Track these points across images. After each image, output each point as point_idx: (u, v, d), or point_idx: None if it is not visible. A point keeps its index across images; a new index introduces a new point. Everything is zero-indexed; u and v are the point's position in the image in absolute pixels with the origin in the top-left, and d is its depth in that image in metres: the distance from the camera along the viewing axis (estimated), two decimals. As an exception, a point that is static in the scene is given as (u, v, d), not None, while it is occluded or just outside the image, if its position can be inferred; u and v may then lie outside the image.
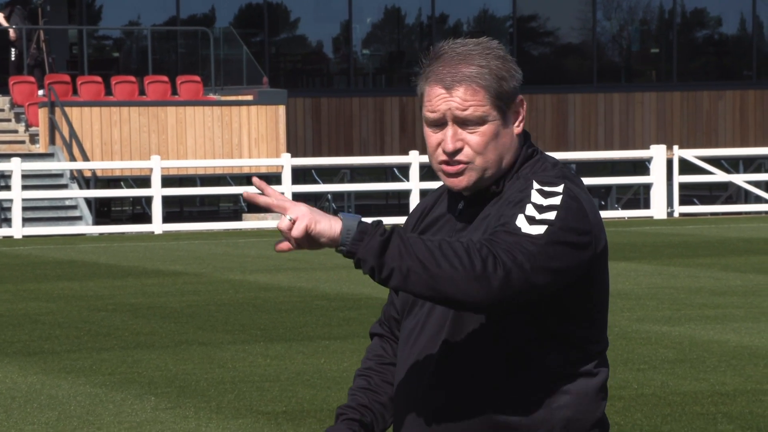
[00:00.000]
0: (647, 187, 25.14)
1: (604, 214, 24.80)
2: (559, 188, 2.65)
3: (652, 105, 28.89)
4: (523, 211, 2.61)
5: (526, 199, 2.63)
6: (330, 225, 2.55)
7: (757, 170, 27.79)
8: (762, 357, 9.08)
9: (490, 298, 2.52)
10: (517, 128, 2.74)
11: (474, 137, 2.68)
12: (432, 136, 2.71)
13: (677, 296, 12.32)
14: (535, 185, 2.65)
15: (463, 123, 2.68)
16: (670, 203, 24.51)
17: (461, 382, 2.68)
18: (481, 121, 2.68)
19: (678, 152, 24.79)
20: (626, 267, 14.96)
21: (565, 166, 2.75)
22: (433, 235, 2.73)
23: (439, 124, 2.69)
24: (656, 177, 24.15)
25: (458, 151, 2.68)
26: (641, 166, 26.71)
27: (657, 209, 24.20)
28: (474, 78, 2.67)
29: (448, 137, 2.68)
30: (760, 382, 8.26)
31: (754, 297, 12.22)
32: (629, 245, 18.07)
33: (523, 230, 2.58)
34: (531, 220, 2.60)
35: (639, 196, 26.76)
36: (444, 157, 2.69)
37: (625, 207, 25.93)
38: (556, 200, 2.63)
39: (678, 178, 24.32)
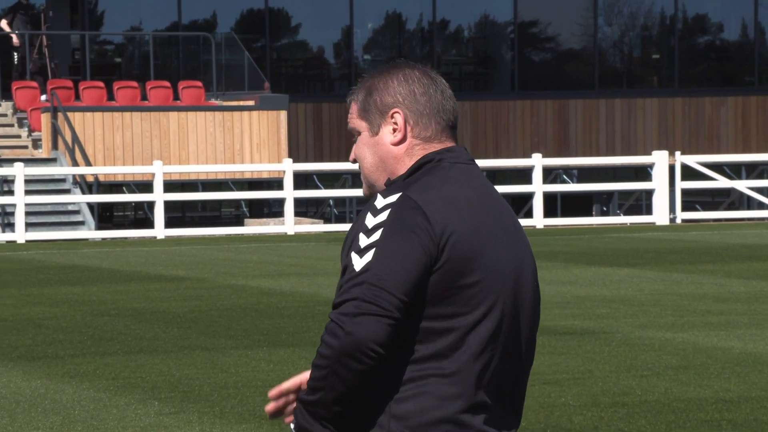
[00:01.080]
0: (649, 193, 25.14)
1: (606, 220, 24.80)
2: (381, 220, 2.79)
3: (654, 111, 28.89)
4: (351, 249, 2.84)
5: (358, 229, 2.84)
6: None
7: (760, 176, 27.79)
8: (766, 363, 9.07)
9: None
10: (393, 138, 2.88)
11: (356, 148, 2.94)
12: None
13: (680, 303, 12.31)
14: (371, 208, 2.85)
15: (353, 135, 2.97)
16: (672, 209, 24.50)
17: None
18: (357, 132, 2.93)
19: (680, 158, 24.79)
20: (629, 273, 14.96)
21: (427, 189, 2.85)
22: None
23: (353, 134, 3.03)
24: (658, 183, 24.14)
25: (356, 161, 2.94)
26: (643, 172, 26.70)
27: (659, 215, 24.19)
28: (352, 94, 2.97)
29: (354, 149, 3.00)
30: (764, 388, 8.26)
31: (758, 303, 12.21)
32: (631, 251, 18.07)
33: (349, 271, 2.85)
34: (358, 252, 2.81)
35: (641, 202, 26.75)
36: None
37: (627, 213, 25.92)
38: (376, 230, 2.79)
39: (680, 184, 24.32)
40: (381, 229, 2.75)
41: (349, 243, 2.80)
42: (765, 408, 7.71)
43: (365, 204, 2.88)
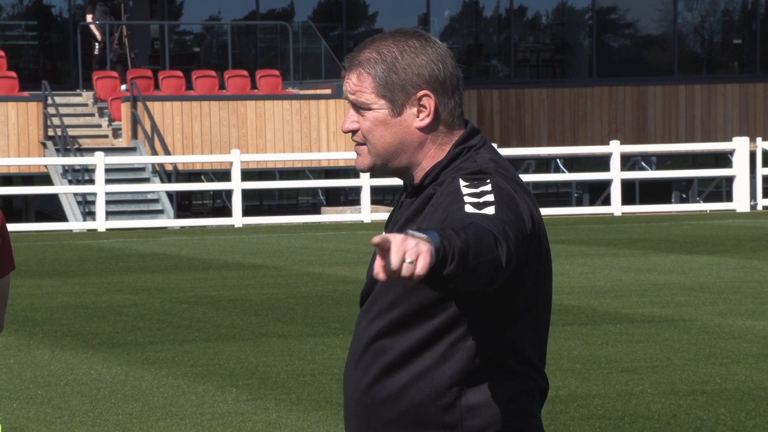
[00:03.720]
0: (730, 180, 24.85)
1: (686, 207, 24.56)
2: (487, 186, 2.59)
3: (735, 96, 28.54)
4: (463, 204, 2.57)
5: (459, 195, 2.59)
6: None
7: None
8: None
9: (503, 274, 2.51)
10: (420, 122, 2.68)
11: (363, 122, 2.69)
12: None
13: (761, 290, 12.16)
14: (461, 182, 2.60)
15: (356, 106, 2.70)
16: (753, 196, 24.20)
17: None
18: (366, 107, 2.68)
19: (761, 144, 24.47)
20: (708, 260, 14.81)
21: (497, 165, 2.67)
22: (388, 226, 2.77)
23: (350, 103, 2.72)
24: (739, 169, 23.86)
25: (354, 132, 2.70)
26: (723, 159, 26.40)
27: (740, 202, 23.91)
28: (363, 64, 2.68)
29: (347, 117, 2.72)
30: None
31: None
32: (711, 239, 17.88)
33: (479, 213, 2.54)
34: (477, 206, 2.55)
35: (721, 189, 26.46)
36: (354, 138, 2.73)
37: (707, 200, 25.66)
38: (488, 193, 2.59)
39: (761, 171, 24.01)
40: (491, 195, 2.59)
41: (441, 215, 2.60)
42: None
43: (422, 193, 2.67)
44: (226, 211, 24.52)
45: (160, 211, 22.94)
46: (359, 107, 2.69)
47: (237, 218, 22.66)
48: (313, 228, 22.17)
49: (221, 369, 8.85)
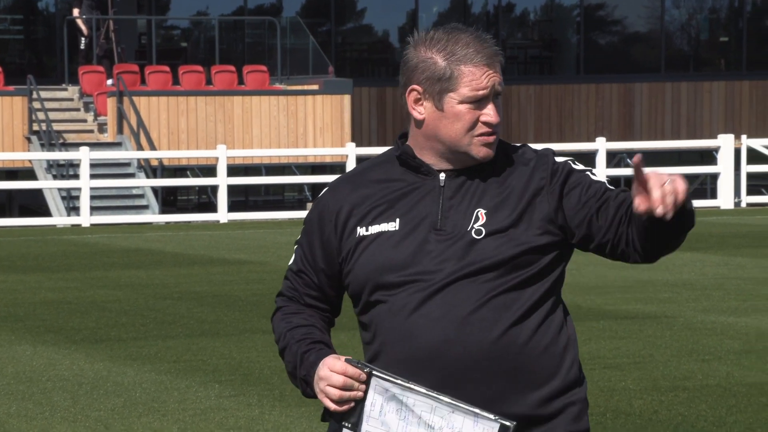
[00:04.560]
0: (714, 177, 24.91)
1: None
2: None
3: (721, 94, 28.60)
4: (589, 174, 2.91)
5: (572, 168, 2.91)
6: None
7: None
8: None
9: None
10: None
11: (499, 110, 2.90)
12: (470, 113, 2.85)
13: (744, 287, 12.19)
14: (562, 159, 2.93)
15: (495, 97, 2.88)
16: (737, 193, 24.26)
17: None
18: (499, 96, 2.91)
19: (746, 141, 24.52)
20: (692, 257, 14.84)
21: None
22: (409, 209, 2.88)
23: (480, 99, 2.85)
24: (723, 166, 23.91)
25: (498, 123, 2.89)
26: (708, 156, 26.46)
27: (724, 199, 23.96)
28: (499, 56, 2.89)
29: (492, 111, 2.86)
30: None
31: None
32: (695, 235, 17.92)
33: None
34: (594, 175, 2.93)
35: (706, 186, 26.52)
36: (485, 129, 2.86)
37: (691, 196, 25.69)
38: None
39: (745, 168, 24.07)
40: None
41: (565, 172, 2.89)
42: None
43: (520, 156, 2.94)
44: (212, 207, 24.50)
45: (145, 207, 22.90)
46: (498, 96, 2.89)
47: (222, 214, 22.64)
48: (299, 224, 22.15)
49: (204, 365, 8.84)
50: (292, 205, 27.36)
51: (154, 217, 22.58)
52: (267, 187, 28.10)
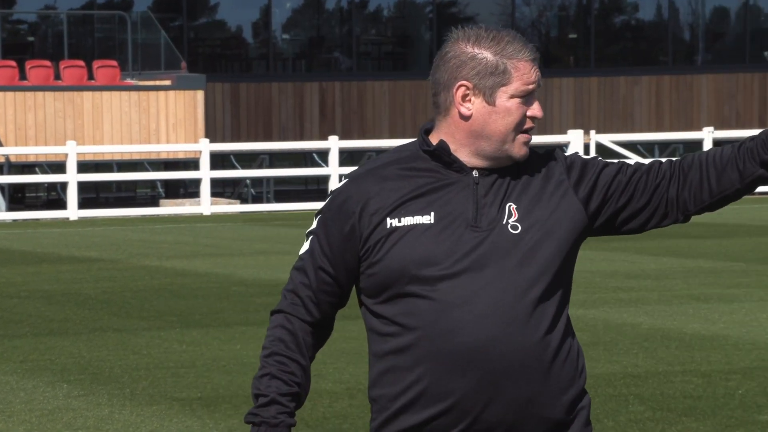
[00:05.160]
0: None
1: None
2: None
3: (570, 90, 29.11)
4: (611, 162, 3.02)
5: (607, 161, 3.03)
6: None
7: (672, 154, 28.11)
8: (673, 339, 9.20)
9: None
10: None
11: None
12: (520, 108, 2.92)
13: (592, 280, 12.43)
14: (582, 155, 3.03)
15: (533, 95, 2.96)
16: (587, 188, 24.69)
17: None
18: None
19: (595, 137, 24.99)
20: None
21: None
22: (444, 204, 2.91)
23: (528, 94, 2.92)
24: (574, 162, 24.32)
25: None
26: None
27: (574, 194, 24.38)
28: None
29: (538, 106, 2.94)
30: (671, 363, 8.37)
31: (667, 280, 12.37)
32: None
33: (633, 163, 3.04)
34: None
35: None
36: (530, 125, 2.93)
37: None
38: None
39: (595, 163, 24.53)
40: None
41: (600, 167, 3.01)
42: (671, 382, 7.81)
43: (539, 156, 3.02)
44: (61, 204, 24.07)
45: (-7, 204, 22.41)
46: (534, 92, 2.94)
47: (72, 211, 22.26)
48: (151, 221, 21.91)
49: (52, 364, 8.69)
50: (145, 201, 27.03)
51: (0, 214, 22.10)
52: (118, 183, 27.72)
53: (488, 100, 2.90)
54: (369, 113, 27.90)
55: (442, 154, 2.92)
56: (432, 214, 2.87)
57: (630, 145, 26.29)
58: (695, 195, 2.99)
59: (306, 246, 3.00)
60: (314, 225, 2.99)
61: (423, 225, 2.86)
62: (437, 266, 2.85)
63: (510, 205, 2.89)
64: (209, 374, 8.30)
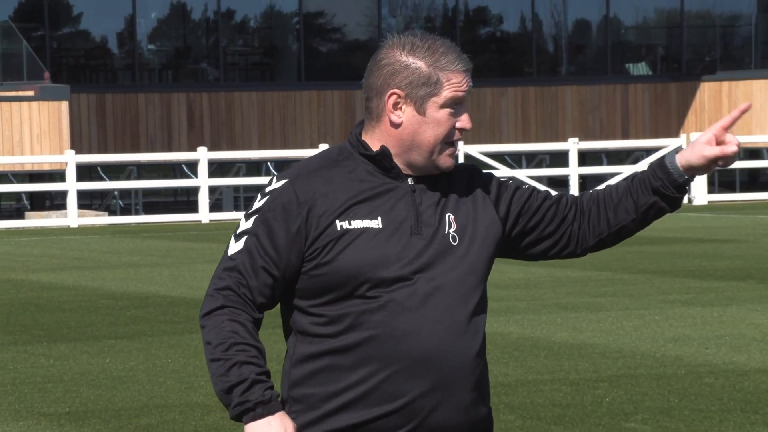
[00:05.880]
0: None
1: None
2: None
3: (438, 101, 29.35)
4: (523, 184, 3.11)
5: (509, 182, 3.11)
6: None
7: (539, 165, 28.54)
8: (542, 348, 9.32)
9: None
10: None
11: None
12: (450, 119, 2.95)
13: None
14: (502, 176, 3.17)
15: (463, 105, 3.00)
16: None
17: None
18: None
19: (463, 148, 25.25)
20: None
21: None
22: (388, 210, 2.94)
23: (459, 103, 2.95)
24: (442, 172, 24.54)
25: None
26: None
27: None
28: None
29: (466, 117, 3.00)
30: (540, 372, 8.49)
31: (536, 289, 12.54)
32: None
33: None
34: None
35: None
36: (458, 136, 3.00)
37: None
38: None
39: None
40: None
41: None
42: (541, 391, 7.92)
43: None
44: (-77, 217, 23.48)
45: None
46: (464, 102, 2.96)
47: (-66, 224, 21.76)
48: (16, 233, 21.51)
49: None
50: (10, 213, 26.52)
51: None
52: (-19, 196, 27.16)
53: (419, 110, 2.94)
54: (237, 124, 27.79)
55: (383, 160, 2.96)
56: (379, 219, 2.91)
57: (498, 156, 26.61)
58: (594, 227, 3.05)
59: (239, 246, 2.94)
60: (249, 225, 2.94)
61: (373, 229, 2.90)
62: (390, 269, 2.89)
63: (449, 216, 2.95)
64: (77, 388, 8.18)
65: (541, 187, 3.16)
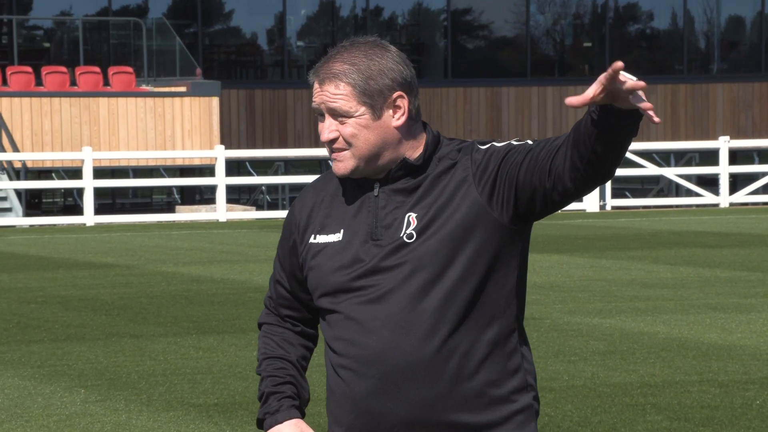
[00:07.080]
0: (580, 180, 25.30)
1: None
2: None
3: (585, 99, 29.07)
4: (523, 144, 2.94)
5: (508, 145, 2.94)
6: None
7: (688, 164, 28.08)
8: (690, 348, 9.18)
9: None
10: (397, 121, 2.95)
11: (344, 128, 2.93)
12: (319, 126, 2.98)
13: (609, 288, 12.42)
14: (494, 144, 2.96)
15: (335, 114, 2.93)
16: (602, 196, 24.69)
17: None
18: (347, 114, 2.92)
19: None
20: (558, 259, 15.06)
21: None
22: (351, 220, 2.97)
23: (321, 114, 2.95)
24: (589, 170, 24.30)
25: (334, 140, 2.94)
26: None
27: (589, 202, 24.37)
28: (340, 76, 2.91)
29: (324, 128, 2.95)
30: (687, 373, 8.36)
31: (684, 289, 12.35)
32: (562, 238, 18.19)
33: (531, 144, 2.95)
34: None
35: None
36: (328, 147, 2.97)
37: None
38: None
39: (610, 172, 24.50)
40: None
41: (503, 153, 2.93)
42: (688, 392, 7.80)
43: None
44: (78, 210, 24.12)
45: (8, 210, 22.47)
46: (340, 115, 2.91)
47: (89, 217, 22.31)
48: (167, 227, 21.95)
49: (70, 370, 8.70)
50: (161, 207, 27.07)
51: (17, 220, 22.17)
52: (135, 189, 27.76)
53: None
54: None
55: None
56: (342, 231, 2.98)
57: (646, 154, 26.26)
58: (570, 162, 2.91)
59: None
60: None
61: (333, 243, 2.98)
62: (338, 282, 2.95)
63: (410, 215, 2.93)
64: (226, 380, 8.31)
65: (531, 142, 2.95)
